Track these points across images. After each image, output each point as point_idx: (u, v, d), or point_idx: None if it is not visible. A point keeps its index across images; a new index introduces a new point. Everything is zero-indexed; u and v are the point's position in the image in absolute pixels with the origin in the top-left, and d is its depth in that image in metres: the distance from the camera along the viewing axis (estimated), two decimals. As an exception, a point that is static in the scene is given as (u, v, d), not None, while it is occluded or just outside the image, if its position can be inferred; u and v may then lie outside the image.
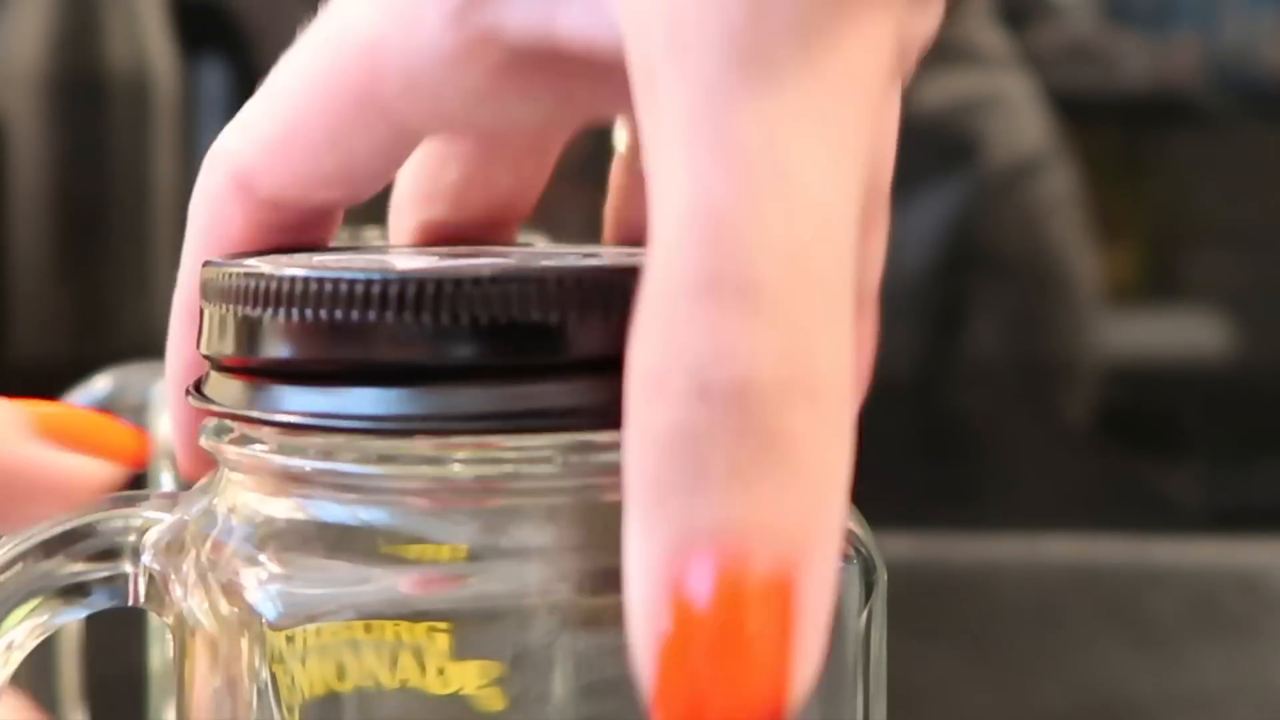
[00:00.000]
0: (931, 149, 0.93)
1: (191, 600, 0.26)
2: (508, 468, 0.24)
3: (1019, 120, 0.97)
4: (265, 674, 0.25)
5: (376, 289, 0.23)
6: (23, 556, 0.26)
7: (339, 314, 0.23)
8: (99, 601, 0.27)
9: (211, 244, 0.28)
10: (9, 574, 0.26)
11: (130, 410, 0.46)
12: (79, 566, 0.27)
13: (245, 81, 0.93)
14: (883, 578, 0.26)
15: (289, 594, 0.25)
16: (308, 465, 0.25)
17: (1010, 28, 0.98)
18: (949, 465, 0.97)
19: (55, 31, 0.94)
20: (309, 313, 0.24)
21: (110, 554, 0.27)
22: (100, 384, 0.46)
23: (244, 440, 0.25)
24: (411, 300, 0.23)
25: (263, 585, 0.25)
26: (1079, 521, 0.85)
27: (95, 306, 0.93)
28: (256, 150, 0.27)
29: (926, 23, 0.25)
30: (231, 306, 0.25)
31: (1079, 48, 1.01)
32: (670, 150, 0.22)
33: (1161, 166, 1.03)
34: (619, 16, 0.23)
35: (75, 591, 0.27)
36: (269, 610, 0.24)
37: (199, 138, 0.96)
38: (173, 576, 0.26)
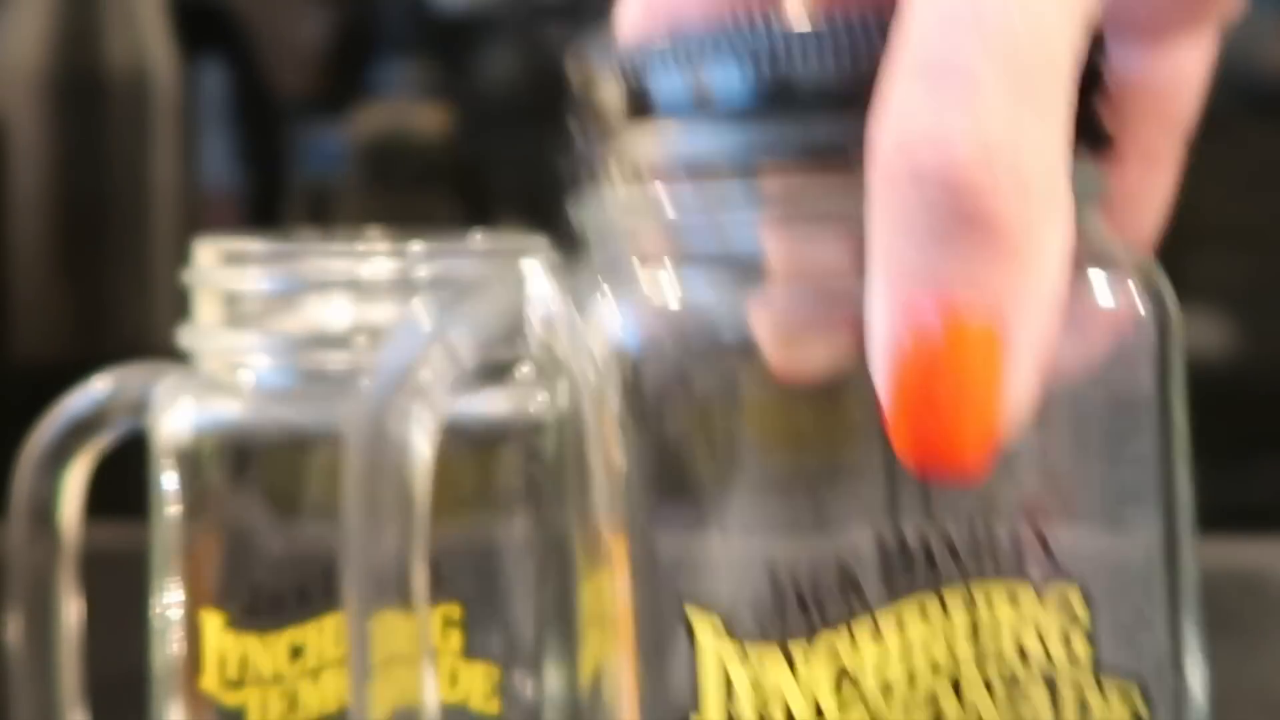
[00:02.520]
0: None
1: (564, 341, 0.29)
2: None
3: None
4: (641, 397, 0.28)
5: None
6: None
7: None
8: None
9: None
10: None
11: (130, 410, 0.46)
12: None
13: (245, 82, 0.94)
14: (1178, 328, 0.30)
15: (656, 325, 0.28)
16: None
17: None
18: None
19: (55, 31, 0.94)
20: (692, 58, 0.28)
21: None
22: (100, 384, 0.46)
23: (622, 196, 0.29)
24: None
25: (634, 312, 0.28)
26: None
27: (95, 307, 0.93)
28: None
29: None
30: (617, 63, 0.28)
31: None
32: None
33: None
34: None
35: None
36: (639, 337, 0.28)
37: (199, 138, 0.96)
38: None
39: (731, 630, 0.27)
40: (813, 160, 0.27)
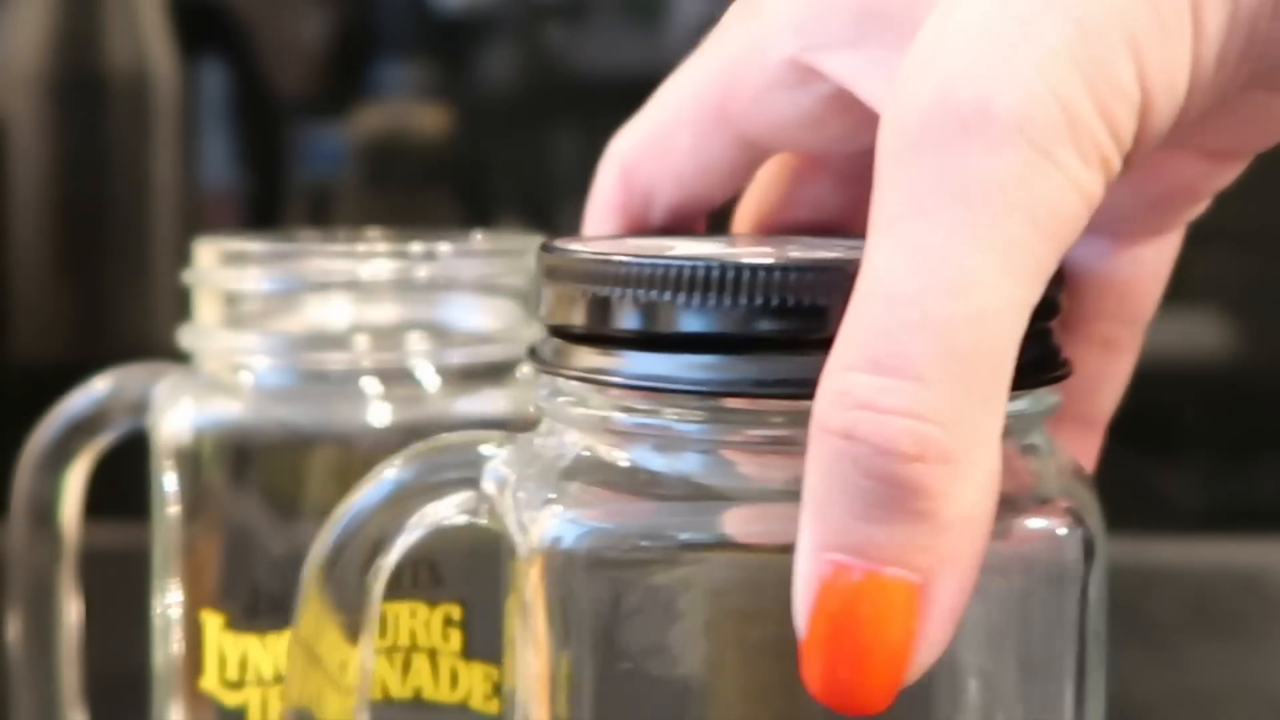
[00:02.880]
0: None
1: (509, 522, 0.31)
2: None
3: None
4: (554, 597, 0.30)
5: (700, 274, 0.29)
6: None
7: (671, 295, 0.29)
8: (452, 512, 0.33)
9: (597, 224, 0.35)
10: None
11: (130, 410, 0.46)
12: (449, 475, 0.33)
13: (245, 82, 0.93)
14: (1103, 550, 0.33)
15: (593, 527, 0.30)
16: (636, 420, 0.30)
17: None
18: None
19: (55, 32, 0.94)
20: (650, 294, 0.29)
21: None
22: (100, 384, 0.46)
23: (579, 401, 0.31)
24: (730, 284, 0.29)
25: (564, 515, 0.30)
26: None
27: (95, 307, 0.93)
28: (637, 150, 0.35)
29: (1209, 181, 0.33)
30: (582, 287, 0.30)
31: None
32: (875, 237, 0.26)
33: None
34: (883, 109, 0.27)
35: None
36: (568, 536, 0.30)
37: (199, 138, 0.96)
38: (498, 500, 0.32)
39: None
40: (769, 392, 0.29)
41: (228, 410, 0.44)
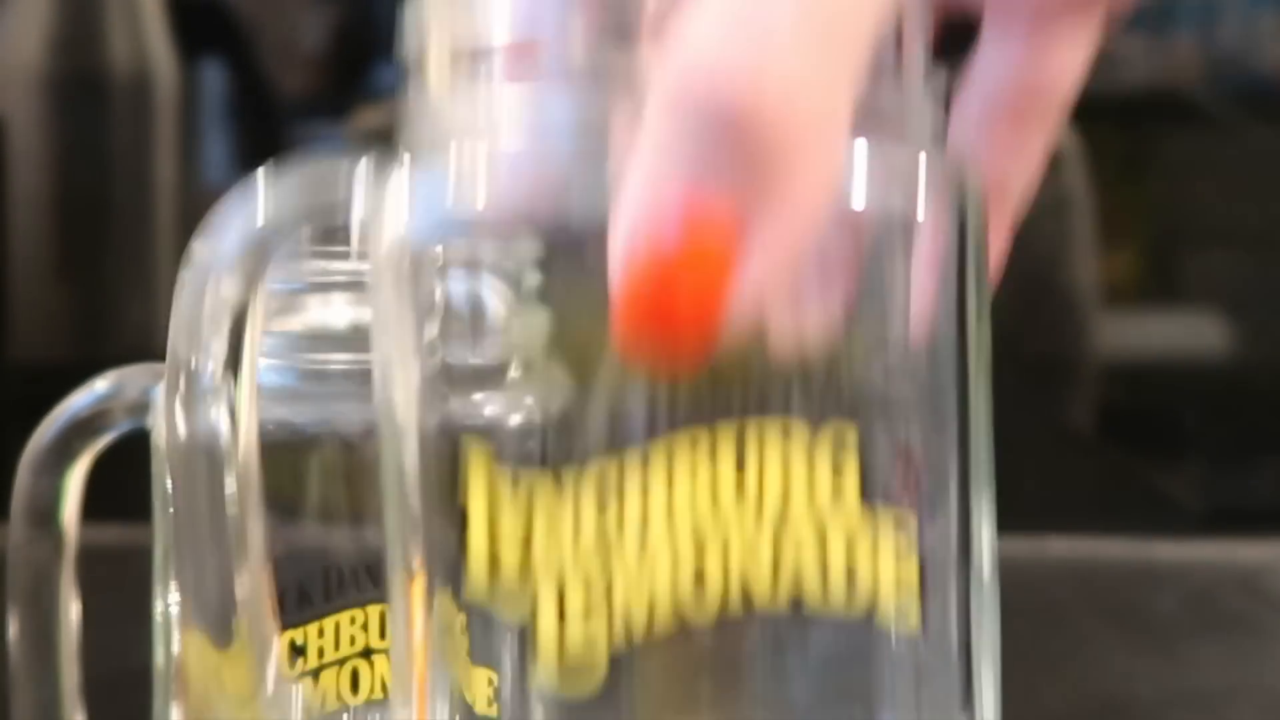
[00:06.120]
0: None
1: None
2: None
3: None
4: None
5: None
6: None
7: None
8: None
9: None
10: None
11: (131, 411, 0.46)
12: None
13: (245, 81, 0.93)
14: (977, 230, 0.30)
15: None
16: None
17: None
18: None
19: (55, 31, 0.94)
20: None
21: None
22: (101, 385, 0.46)
23: None
24: None
25: None
26: (1079, 522, 0.85)
27: (96, 307, 0.93)
28: None
29: None
30: None
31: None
32: None
33: (1161, 167, 1.03)
34: None
35: None
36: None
37: (199, 138, 0.96)
38: None
39: (502, 457, 0.29)
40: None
41: (228, 410, 0.44)
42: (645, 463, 0.28)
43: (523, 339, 0.30)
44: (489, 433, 0.44)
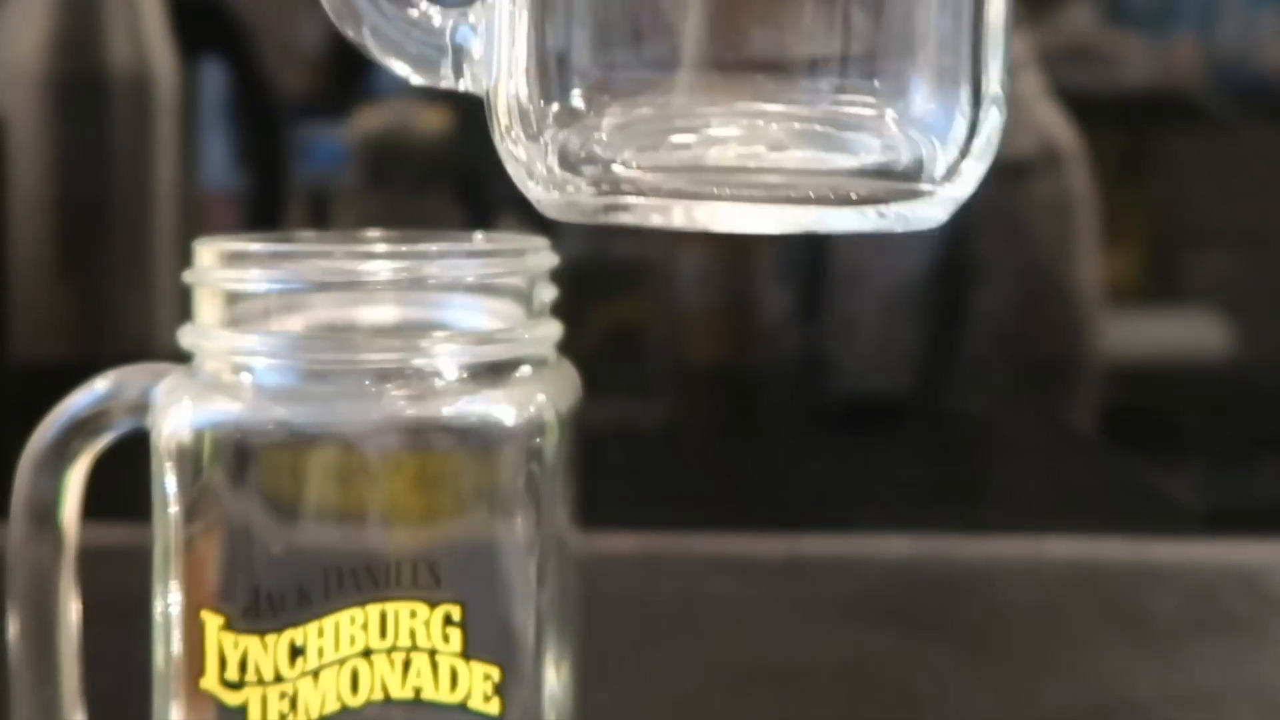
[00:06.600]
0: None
1: None
2: None
3: (1019, 119, 0.97)
4: None
5: None
6: None
7: None
8: None
9: None
10: None
11: (131, 410, 0.46)
12: None
13: (245, 82, 0.94)
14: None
15: None
16: None
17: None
18: (949, 466, 0.97)
19: (55, 31, 0.94)
20: None
21: None
22: (101, 384, 0.46)
23: None
24: None
25: None
26: (1079, 522, 0.85)
27: (95, 308, 0.93)
28: None
29: None
30: None
31: (1079, 48, 1.01)
32: None
33: (1161, 167, 1.03)
34: None
35: None
36: None
37: (199, 138, 0.96)
38: None
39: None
40: None
41: (228, 410, 0.44)
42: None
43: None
44: (484, 432, 0.44)
